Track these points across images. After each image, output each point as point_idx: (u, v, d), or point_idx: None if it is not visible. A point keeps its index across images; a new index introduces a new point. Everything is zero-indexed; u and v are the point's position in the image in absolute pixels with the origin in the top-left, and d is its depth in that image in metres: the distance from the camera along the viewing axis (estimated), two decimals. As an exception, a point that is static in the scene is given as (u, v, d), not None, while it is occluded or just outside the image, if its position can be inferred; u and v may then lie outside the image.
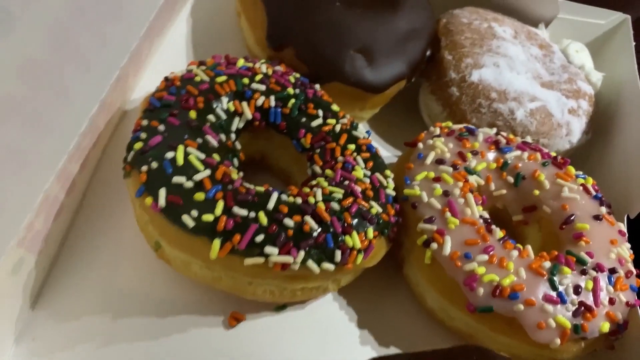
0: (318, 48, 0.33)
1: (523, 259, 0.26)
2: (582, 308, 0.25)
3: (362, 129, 0.30)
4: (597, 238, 0.28)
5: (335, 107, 0.30)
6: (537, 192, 0.31)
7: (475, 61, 0.37)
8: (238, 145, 0.27)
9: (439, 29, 0.40)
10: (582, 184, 0.31)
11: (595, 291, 0.25)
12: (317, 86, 0.31)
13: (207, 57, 0.32)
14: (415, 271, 0.28)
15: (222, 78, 0.27)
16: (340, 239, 0.23)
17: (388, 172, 0.28)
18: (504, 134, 0.34)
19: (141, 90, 0.33)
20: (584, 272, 0.26)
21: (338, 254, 0.23)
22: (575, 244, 0.28)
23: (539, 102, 0.37)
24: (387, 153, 0.37)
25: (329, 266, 0.23)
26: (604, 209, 0.30)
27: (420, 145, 0.31)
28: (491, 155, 0.31)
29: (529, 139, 0.35)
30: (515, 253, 0.26)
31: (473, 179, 0.30)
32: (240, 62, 0.29)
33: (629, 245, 0.30)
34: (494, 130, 0.34)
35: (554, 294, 0.25)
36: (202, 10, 0.40)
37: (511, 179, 0.32)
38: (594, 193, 0.31)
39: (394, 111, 0.40)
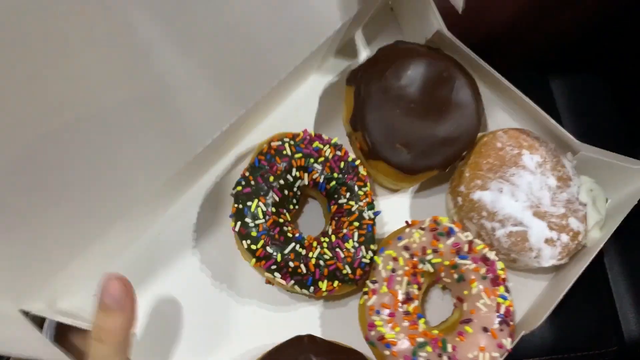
0: (375, 137, 0.48)
1: (410, 328, 0.41)
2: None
3: (371, 213, 0.45)
4: (471, 341, 0.42)
5: (361, 192, 0.45)
6: (466, 292, 0.44)
7: (483, 184, 0.47)
8: (297, 194, 0.45)
9: (475, 142, 0.51)
10: (498, 302, 0.43)
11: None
12: (361, 169, 0.46)
13: (317, 123, 0.52)
14: (359, 306, 0.45)
15: (299, 155, 0.44)
16: (316, 282, 0.41)
17: (373, 246, 0.44)
18: (476, 242, 0.45)
19: (255, 139, 0.50)
20: (440, 355, 0.40)
21: (312, 289, 0.40)
22: (453, 338, 0.42)
23: (521, 227, 0.46)
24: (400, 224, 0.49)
25: (307, 292, 0.40)
26: (496, 326, 0.42)
27: (407, 230, 0.45)
28: (448, 256, 0.44)
29: (492, 255, 0.45)
30: (406, 323, 0.41)
31: (426, 267, 0.44)
32: (315, 144, 0.45)
33: (497, 356, 0.42)
34: (469, 237, 0.45)
35: (410, 355, 0.40)
36: (320, 87, 0.55)
37: (455, 276, 0.45)
38: (500, 312, 0.43)
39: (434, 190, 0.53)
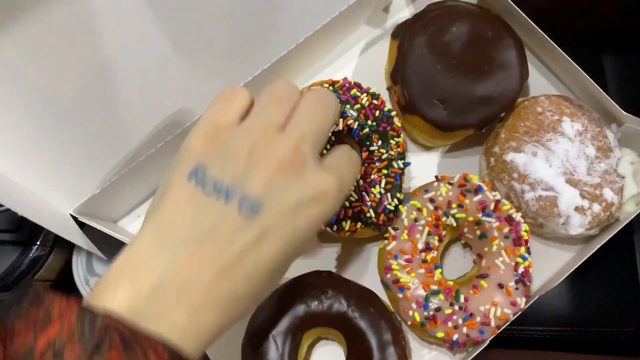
0: (413, 90, 0.48)
1: (426, 276, 0.42)
2: (430, 319, 0.42)
3: (400, 163, 0.46)
4: (485, 295, 0.43)
5: (393, 141, 0.46)
6: (486, 249, 0.45)
7: (517, 146, 0.47)
8: (331, 140, 0.46)
9: (515, 105, 0.50)
10: (517, 262, 0.43)
11: (448, 317, 0.42)
12: (396, 119, 0.47)
13: (360, 75, 0.52)
14: (379, 250, 0.47)
15: (335, 100, 0.45)
16: (339, 221, 0.43)
17: (399, 194, 0.45)
18: (504, 202, 0.45)
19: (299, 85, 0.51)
20: (452, 304, 0.41)
21: (335, 227, 0.42)
22: (467, 290, 0.43)
23: (551, 193, 0.46)
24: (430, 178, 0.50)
25: (330, 230, 0.41)
26: (512, 284, 0.43)
27: (435, 184, 0.46)
28: (473, 212, 0.45)
29: (517, 216, 0.45)
30: (422, 270, 0.42)
31: (449, 220, 0.45)
32: (353, 91, 0.46)
33: (509, 313, 0.43)
34: (497, 196, 0.46)
35: (422, 301, 0.41)
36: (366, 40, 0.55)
37: (478, 232, 0.46)
38: (518, 271, 0.43)
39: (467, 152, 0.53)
